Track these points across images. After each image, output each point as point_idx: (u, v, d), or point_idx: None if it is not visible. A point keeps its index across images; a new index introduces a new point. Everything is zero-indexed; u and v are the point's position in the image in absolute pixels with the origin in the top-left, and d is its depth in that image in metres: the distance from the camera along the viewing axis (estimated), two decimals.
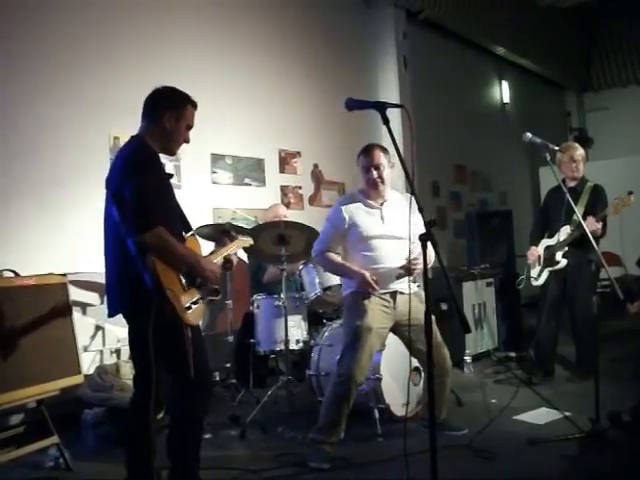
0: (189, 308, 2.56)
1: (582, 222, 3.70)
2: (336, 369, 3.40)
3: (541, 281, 4.75)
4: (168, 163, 4.30)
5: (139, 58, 4.83)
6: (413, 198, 2.33)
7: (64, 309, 3.47)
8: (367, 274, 3.31)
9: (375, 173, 3.41)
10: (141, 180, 2.50)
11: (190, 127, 2.77)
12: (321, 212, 5.81)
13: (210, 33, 5.46)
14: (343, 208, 3.46)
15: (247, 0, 5.83)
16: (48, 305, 3.39)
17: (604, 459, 3.14)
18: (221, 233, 4.04)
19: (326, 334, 4.16)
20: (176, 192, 2.82)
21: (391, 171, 3.48)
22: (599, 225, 4.34)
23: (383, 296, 3.40)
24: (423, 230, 2.27)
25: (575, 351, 4.79)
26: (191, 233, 2.78)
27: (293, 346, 4.20)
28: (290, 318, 4.13)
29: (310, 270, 4.26)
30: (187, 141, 2.79)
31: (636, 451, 3.24)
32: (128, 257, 2.50)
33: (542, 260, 4.74)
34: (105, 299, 3.54)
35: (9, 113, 4.12)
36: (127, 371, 3.94)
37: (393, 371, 3.80)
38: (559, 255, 4.63)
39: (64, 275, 3.60)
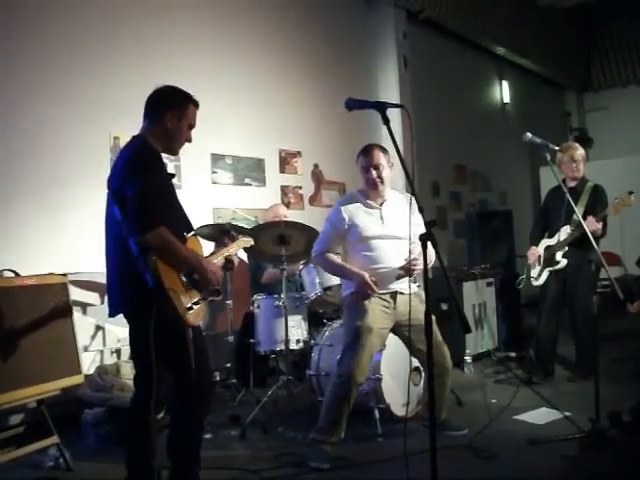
0: (190, 308, 2.56)
1: (582, 222, 3.70)
2: (336, 369, 3.40)
3: (541, 281, 4.75)
4: (169, 163, 4.30)
5: (139, 58, 4.83)
6: (413, 198, 2.33)
7: (64, 309, 3.47)
8: (366, 275, 3.30)
9: (374, 173, 3.40)
10: (143, 180, 2.49)
11: (192, 126, 2.77)
12: (321, 212, 5.81)
13: (210, 33, 5.46)
14: (343, 208, 3.46)
15: (247, 0, 5.83)
16: (48, 305, 3.39)
17: (604, 459, 3.14)
18: (221, 233, 4.05)
19: (326, 334, 4.16)
20: (176, 192, 2.82)
21: (390, 171, 3.48)
22: (599, 225, 4.34)
23: (383, 296, 3.39)
24: (423, 230, 2.27)
25: (575, 351, 4.79)
26: (192, 233, 2.78)
27: (293, 346, 4.20)
28: (290, 318, 4.13)
29: (310, 270, 4.26)
30: (189, 140, 2.79)
31: (636, 451, 3.24)
32: (129, 257, 2.50)
33: (542, 260, 4.74)
34: (105, 299, 3.54)
35: (9, 113, 4.12)
36: (127, 371, 3.94)
37: (393, 371, 3.80)
38: (559, 255, 4.63)
39: (64, 275, 3.60)
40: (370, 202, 3.47)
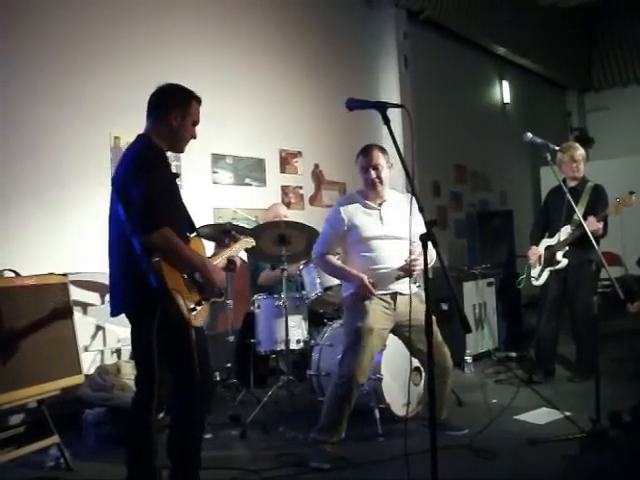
0: (193, 309, 2.56)
1: (583, 222, 3.70)
2: (337, 370, 3.40)
3: (541, 281, 4.75)
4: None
5: (139, 58, 4.82)
6: (413, 198, 2.33)
7: (65, 309, 3.47)
8: (365, 278, 3.30)
9: (373, 173, 3.40)
10: (149, 180, 2.49)
11: (196, 123, 2.77)
12: (322, 212, 5.81)
13: (210, 33, 5.46)
14: (342, 209, 3.45)
15: (248, 0, 5.83)
16: (49, 305, 3.39)
17: (604, 459, 3.14)
18: (221, 233, 4.06)
19: (327, 334, 4.16)
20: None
21: (390, 171, 3.47)
22: (600, 225, 4.33)
23: (383, 297, 3.39)
24: (424, 230, 2.27)
25: (575, 351, 4.79)
26: (195, 234, 2.77)
27: (294, 346, 4.20)
28: (291, 318, 4.12)
29: (311, 270, 4.26)
30: (194, 137, 2.79)
31: (636, 451, 3.24)
32: (133, 257, 2.49)
33: (543, 260, 4.74)
34: (106, 299, 3.54)
35: (9, 113, 4.11)
36: (128, 371, 3.94)
37: (394, 371, 3.80)
38: (560, 255, 4.63)
39: (65, 275, 3.60)
40: (369, 202, 3.47)
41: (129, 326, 2.73)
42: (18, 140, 4.14)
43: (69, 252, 4.25)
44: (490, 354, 5.72)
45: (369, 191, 3.46)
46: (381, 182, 3.42)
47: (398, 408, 3.73)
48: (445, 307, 5.34)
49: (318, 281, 4.19)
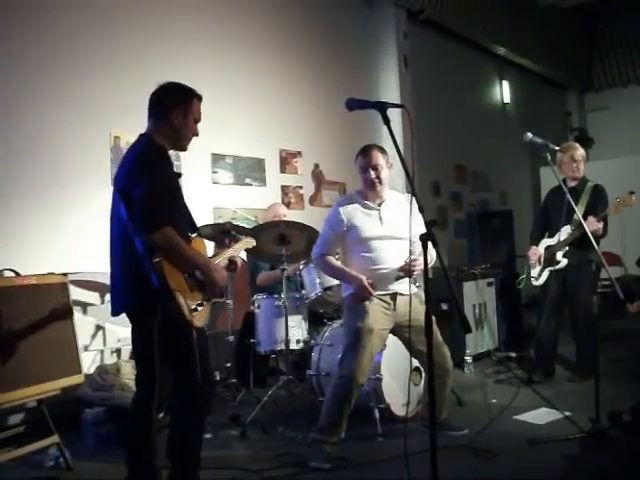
0: (195, 310, 2.55)
1: (583, 222, 3.70)
2: (337, 370, 3.40)
3: (541, 281, 4.75)
4: None
5: (139, 58, 4.83)
6: (413, 198, 2.33)
7: (65, 309, 3.47)
8: (364, 279, 3.30)
9: (373, 173, 3.40)
10: (151, 180, 2.49)
11: (198, 121, 2.77)
12: (322, 212, 5.81)
13: (210, 33, 5.46)
14: (341, 209, 3.45)
15: (248, 0, 5.83)
16: (49, 305, 3.39)
17: (604, 459, 3.14)
18: (221, 233, 4.06)
19: (327, 334, 4.16)
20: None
21: (389, 172, 3.47)
22: (600, 225, 4.33)
23: (383, 297, 3.39)
24: (424, 230, 2.27)
25: (575, 351, 4.79)
26: (196, 234, 2.77)
27: (293, 346, 4.20)
28: (290, 318, 4.12)
29: (311, 270, 4.26)
30: (196, 134, 2.79)
31: (636, 451, 3.24)
32: (135, 256, 2.49)
33: (542, 260, 4.74)
34: (106, 299, 3.53)
35: (9, 113, 4.11)
36: (128, 370, 3.94)
37: (393, 371, 3.80)
38: (559, 255, 4.63)
39: (65, 275, 3.60)
40: (368, 203, 3.46)
41: (129, 326, 2.72)
42: (18, 140, 4.14)
43: (69, 252, 4.25)
44: (490, 354, 5.72)
45: (368, 191, 3.46)
46: (380, 182, 3.41)
47: (398, 408, 3.73)
48: (445, 307, 5.34)
49: (318, 281, 4.19)
